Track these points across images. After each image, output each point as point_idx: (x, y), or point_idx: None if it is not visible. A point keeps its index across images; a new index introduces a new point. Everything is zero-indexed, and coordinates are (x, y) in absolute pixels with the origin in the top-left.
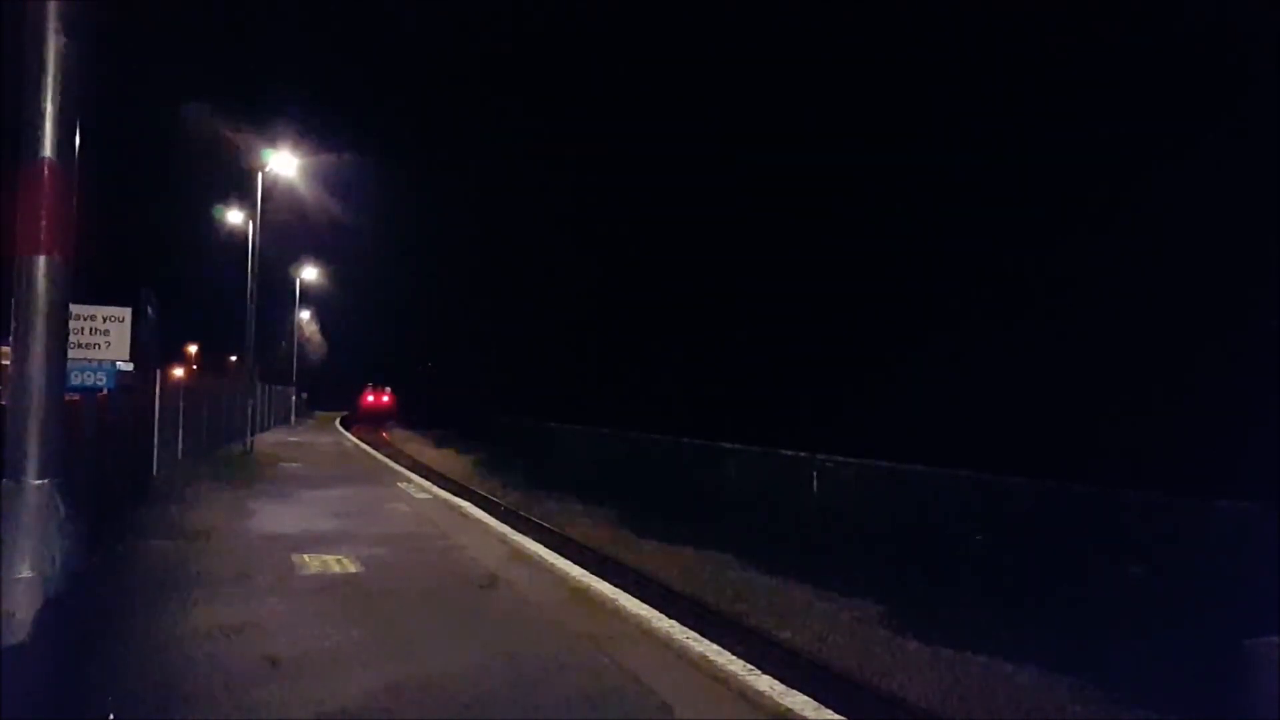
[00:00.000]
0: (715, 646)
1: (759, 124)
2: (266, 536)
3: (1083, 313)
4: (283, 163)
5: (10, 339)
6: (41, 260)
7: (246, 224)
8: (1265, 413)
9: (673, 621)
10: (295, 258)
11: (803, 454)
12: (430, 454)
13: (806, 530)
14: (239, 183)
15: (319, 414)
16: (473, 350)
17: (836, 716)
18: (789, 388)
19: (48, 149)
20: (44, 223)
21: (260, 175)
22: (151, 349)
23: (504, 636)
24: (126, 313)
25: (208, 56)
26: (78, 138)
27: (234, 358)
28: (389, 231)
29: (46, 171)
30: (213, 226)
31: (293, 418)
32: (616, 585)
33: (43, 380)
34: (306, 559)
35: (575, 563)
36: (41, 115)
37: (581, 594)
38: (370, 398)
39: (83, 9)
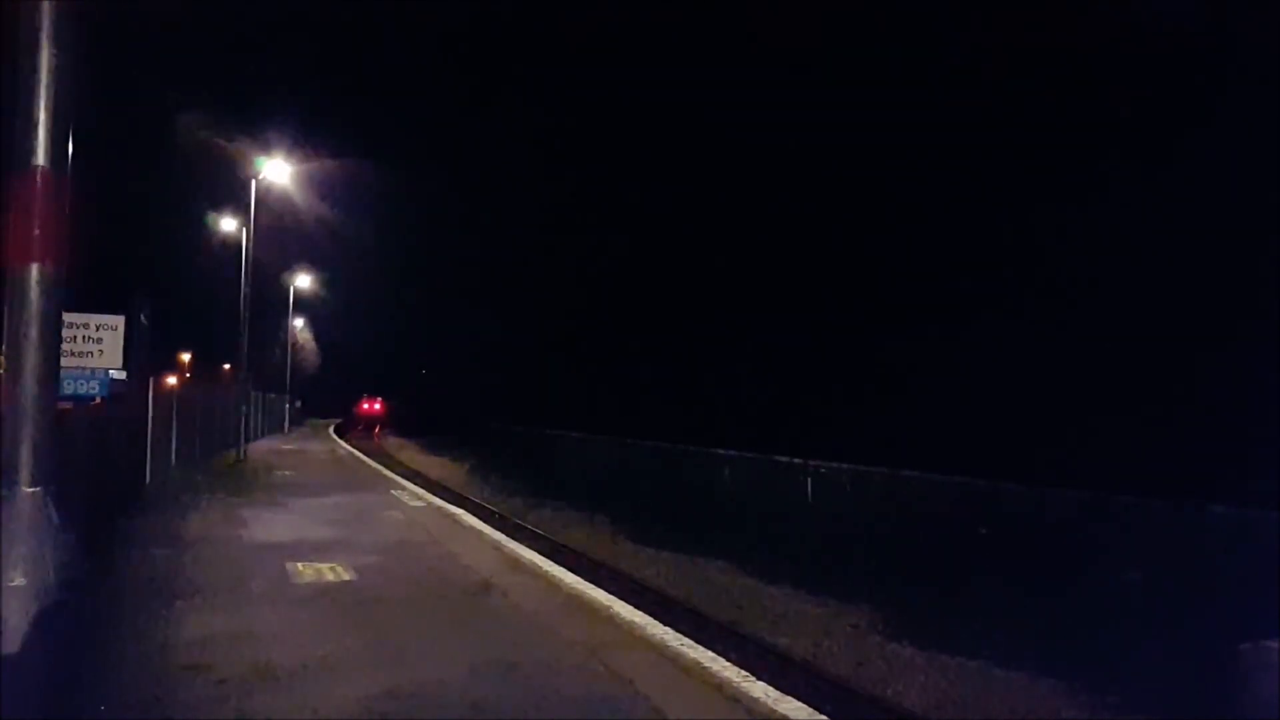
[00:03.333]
0: (710, 653)
1: (757, 128)
2: (260, 545)
3: (1078, 316)
4: (276, 170)
5: (4, 347)
6: (34, 268)
7: (240, 232)
8: (1261, 417)
9: (667, 628)
10: (289, 265)
11: (797, 460)
12: (424, 461)
13: (801, 536)
14: (233, 190)
15: (312, 421)
16: (467, 357)
17: None
18: (784, 394)
19: (41, 157)
20: (37, 231)
21: (254, 183)
22: (144, 357)
23: (498, 644)
24: (119, 321)
25: (201, 64)
26: (70, 145)
27: (227, 365)
28: (383, 239)
29: (39, 179)
30: (206, 234)
31: (286, 425)
32: (611, 592)
33: (35, 388)
34: (300, 567)
35: (570, 570)
36: (34, 123)
37: (576, 601)
38: (365, 405)
39: (76, 17)
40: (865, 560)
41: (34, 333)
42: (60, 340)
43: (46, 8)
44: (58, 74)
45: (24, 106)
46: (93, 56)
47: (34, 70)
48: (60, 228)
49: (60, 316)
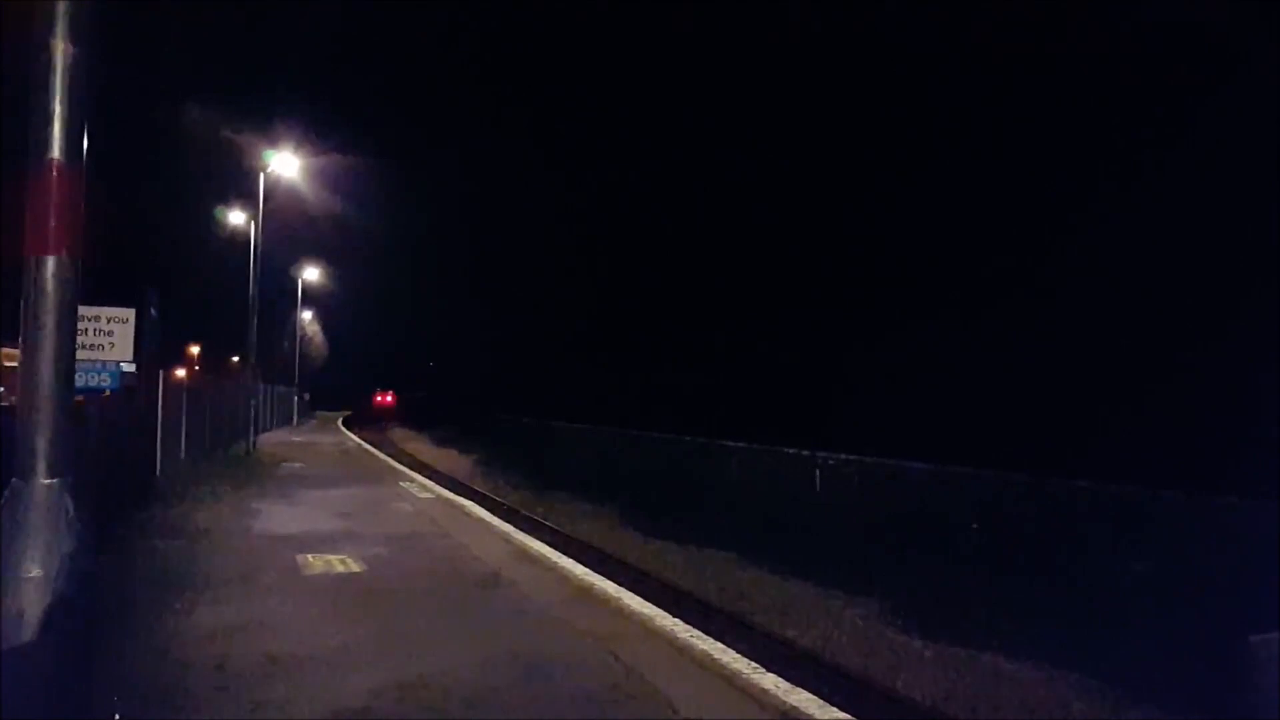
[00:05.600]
0: (719, 644)
1: (757, 122)
2: (270, 536)
3: (1086, 307)
4: (284, 163)
5: (19, 339)
6: (51, 260)
7: (249, 225)
8: (1269, 407)
9: (676, 620)
10: (297, 258)
11: (805, 452)
12: (432, 453)
13: (809, 528)
14: (241, 183)
15: (321, 414)
16: (475, 349)
17: (841, 714)
18: (791, 385)
19: (56, 150)
20: (53, 223)
21: (262, 176)
22: (154, 349)
23: (508, 635)
24: (130, 313)
25: (211, 57)
26: (86, 139)
27: (236, 358)
28: (391, 232)
29: (55, 172)
30: (215, 227)
31: (295, 418)
32: (620, 584)
33: (52, 379)
34: (310, 559)
35: (579, 561)
36: (49, 116)
37: (585, 592)
38: (378, 398)
39: (90, 11)
40: (874, 551)
41: (51, 324)
42: (76, 332)
43: (62, 3)
44: (73, 68)
45: (39, 100)
46: (105, 49)
47: (49, 64)
48: (76, 220)
49: (76, 308)
